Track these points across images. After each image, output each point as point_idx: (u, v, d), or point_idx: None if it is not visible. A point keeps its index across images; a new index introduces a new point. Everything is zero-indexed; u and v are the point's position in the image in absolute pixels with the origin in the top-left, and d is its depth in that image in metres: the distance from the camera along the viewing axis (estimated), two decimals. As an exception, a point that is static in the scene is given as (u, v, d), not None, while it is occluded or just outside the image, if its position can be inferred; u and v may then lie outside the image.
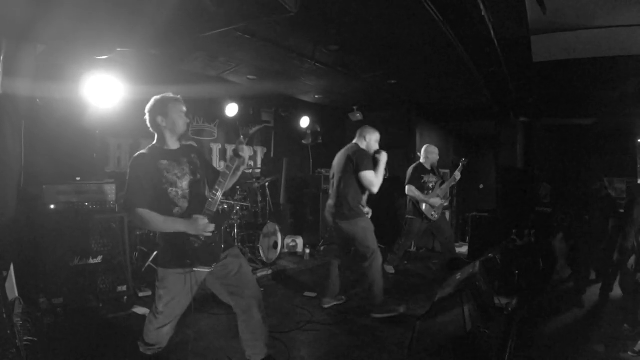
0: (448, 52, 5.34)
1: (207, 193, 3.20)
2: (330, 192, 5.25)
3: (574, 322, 5.27)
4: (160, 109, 3.09)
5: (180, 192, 3.06)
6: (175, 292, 3.08)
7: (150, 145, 3.17)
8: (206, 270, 3.10)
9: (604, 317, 5.40)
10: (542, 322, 5.17)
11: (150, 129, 3.16)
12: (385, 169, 5.05)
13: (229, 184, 3.27)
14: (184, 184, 3.09)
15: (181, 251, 2.98)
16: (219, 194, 3.12)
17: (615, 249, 5.18)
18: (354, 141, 5.18)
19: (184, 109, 3.18)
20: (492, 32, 4.68)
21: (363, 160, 4.88)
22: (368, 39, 5.07)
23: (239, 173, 3.33)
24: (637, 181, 9.44)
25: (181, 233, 2.96)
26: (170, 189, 3.02)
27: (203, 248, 3.04)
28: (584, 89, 7.69)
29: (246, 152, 3.23)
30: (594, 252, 6.37)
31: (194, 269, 3.03)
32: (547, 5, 4.03)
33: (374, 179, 4.86)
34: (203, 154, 3.48)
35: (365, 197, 5.12)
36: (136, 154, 3.05)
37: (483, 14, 4.07)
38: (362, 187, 4.99)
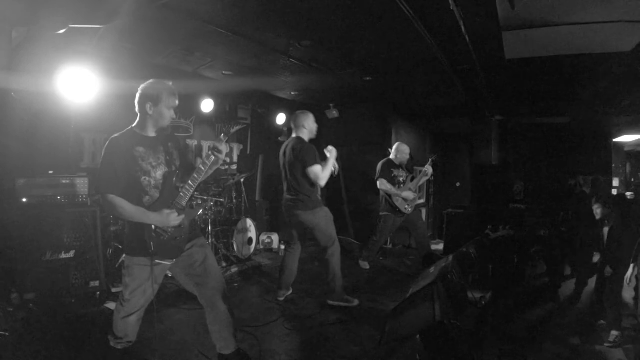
0: (421, 48, 5.37)
1: (178, 185, 3.19)
2: (285, 186, 5.25)
3: (549, 316, 5.40)
4: (153, 96, 3.04)
5: (152, 182, 3.06)
6: (140, 280, 3.08)
7: (127, 129, 3.12)
8: (167, 263, 3.13)
9: (579, 311, 5.55)
10: (517, 316, 5.28)
11: (136, 108, 3.11)
12: (335, 164, 5.06)
13: (203, 179, 3.27)
14: (158, 174, 3.09)
15: (147, 243, 2.98)
16: (192, 190, 3.14)
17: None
18: (294, 134, 5.17)
19: (176, 103, 3.15)
20: (462, 27, 4.73)
21: (308, 155, 4.88)
22: (341, 35, 5.09)
23: (213, 169, 3.31)
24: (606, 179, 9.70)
25: (149, 225, 2.97)
26: (144, 177, 3.02)
27: (168, 241, 3.06)
28: (557, 86, 7.78)
29: (224, 149, 3.20)
30: (569, 248, 6.53)
31: (157, 261, 3.05)
32: (517, 1, 4.09)
33: (320, 174, 4.86)
34: (179, 142, 3.47)
35: (319, 189, 5.17)
36: (112, 137, 3.01)
37: (452, 8, 4.12)
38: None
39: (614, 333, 4.50)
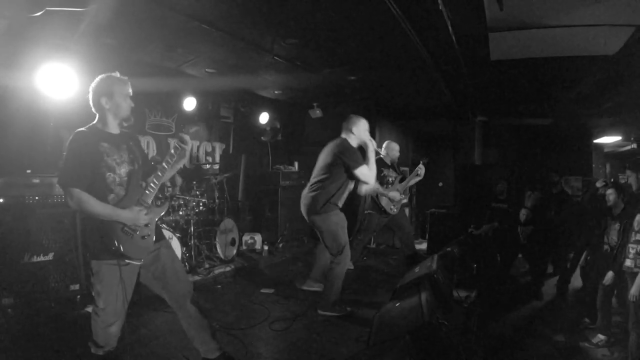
0: (407, 48, 5.38)
1: (142, 182, 3.12)
2: (310, 182, 5.09)
3: (533, 314, 5.49)
4: (105, 89, 3.00)
5: (117, 179, 2.98)
6: (111, 285, 2.96)
7: (90, 125, 3.05)
8: (137, 263, 3.05)
9: (562, 309, 5.65)
10: (502, 313, 5.34)
11: (93, 108, 3.04)
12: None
13: (168, 176, 3.24)
14: (122, 171, 3.01)
15: (114, 243, 2.88)
16: (157, 187, 3.09)
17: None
18: (342, 135, 5.02)
19: (130, 91, 3.10)
20: (449, 28, 4.73)
21: (353, 157, 4.78)
22: (327, 33, 5.08)
23: (178, 167, 3.28)
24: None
25: (115, 223, 2.88)
26: (108, 173, 2.93)
27: (137, 240, 2.98)
28: (541, 88, 7.87)
29: (189, 140, 3.18)
30: (550, 246, 6.59)
31: (127, 261, 2.95)
32: (505, 2, 4.09)
33: (368, 173, 4.77)
34: (140, 143, 3.42)
35: (344, 196, 5.05)
36: (76, 131, 2.93)
37: (440, 7, 4.10)
38: (344, 187, 4.94)
39: (600, 337, 4.55)
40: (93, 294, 3.08)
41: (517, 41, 5.35)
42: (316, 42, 5.43)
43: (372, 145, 4.88)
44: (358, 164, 4.74)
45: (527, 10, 4.56)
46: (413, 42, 5.11)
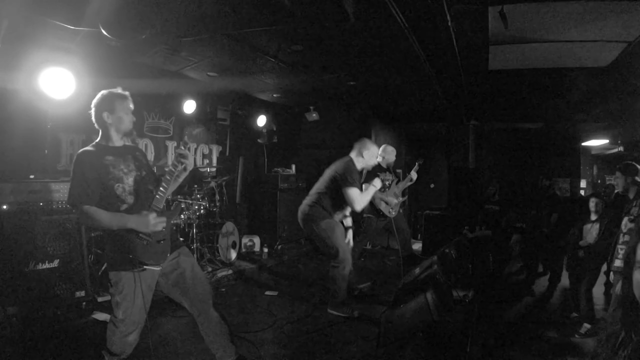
0: (409, 57, 5.47)
1: (152, 187, 3.13)
2: (309, 193, 5.19)
3: (527, 311, 5.63)
4: (107, 104, 3.00)
5: (127, 188, 2.98)
6: (132, 295, 2.95)
7: (94, 142, 3.07)
8: (156, 268, 3.03)
9: (553, 305, 5.79)
10: (498, 311, 5.47)
11: (95, 124, 3.06)
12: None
13: (175, 184, 3.24)
14: (130, 180, 3.02)
15: (130, 250, 2.88)
16: (167, 191, 3.06)
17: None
18: (351, 154, 5.12)
19: (131, 106, 3.11)
20: (454, 41, 4.80)
21: (348, 176, 4.83)
22: (332, 40, 5.10)
23: (185, 174, 3.24)
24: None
25: (129, 231, 2.87)
26: (117, 184, 2.94)
27: (153, 245, 2.97)
28: (534, 96, 8.02)
29: (188, 154, 3.14)
30: (542, 246, 6.71)
31: (145, 267, 2.93)
32: (507, 19, 4.18)
33: (357, 197, 4.82)
34: (145, 154, 3.43)
35: (339, 212, 5.12)
36: (80, 150, 2.96)
37: (449, 24, 4.16)
38: (339, 204, 5.00)
39: (586, 326, 4.75)
40: (112, 304, 3.03)
41: (515, 54, 5.54)
42: (321, 49, 5.46)
43: (377, 184, 5.01)
44: (350, 185, 4.81)
45: (529, 27, 4.70)
46: (416, 51, 5.18)
